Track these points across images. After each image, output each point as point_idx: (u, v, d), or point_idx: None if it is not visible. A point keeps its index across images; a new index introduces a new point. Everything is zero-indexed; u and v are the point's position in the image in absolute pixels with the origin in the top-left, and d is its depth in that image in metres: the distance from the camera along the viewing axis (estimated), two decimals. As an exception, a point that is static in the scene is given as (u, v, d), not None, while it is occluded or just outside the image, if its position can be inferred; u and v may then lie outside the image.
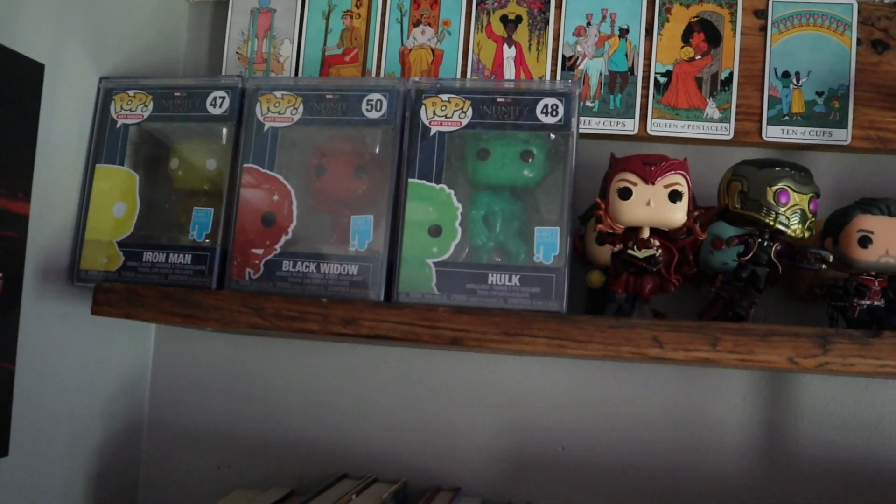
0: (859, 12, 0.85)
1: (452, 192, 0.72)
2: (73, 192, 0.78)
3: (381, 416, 0.90)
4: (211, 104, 0.78)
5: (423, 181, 0.72)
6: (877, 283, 0.69)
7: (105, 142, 0.79)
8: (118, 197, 0.78)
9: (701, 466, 0.85)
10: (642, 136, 0.86)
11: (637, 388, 0.87)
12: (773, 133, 0.85)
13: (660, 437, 0.86)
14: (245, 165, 0.75)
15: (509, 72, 0.88)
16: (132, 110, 0.79)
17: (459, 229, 0.71)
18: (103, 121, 0.80)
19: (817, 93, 0.84)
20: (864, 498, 0.83)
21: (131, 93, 0.80)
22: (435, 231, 0.71)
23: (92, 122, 0.80)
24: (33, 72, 0.72)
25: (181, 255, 0.75)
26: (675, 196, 0.68)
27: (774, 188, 0.69)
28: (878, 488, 0.83)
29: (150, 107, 0.79)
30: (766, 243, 0.72)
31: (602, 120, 0.86)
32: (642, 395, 0.87)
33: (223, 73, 0.92)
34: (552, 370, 0.88)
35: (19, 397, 0.71)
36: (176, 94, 0.79)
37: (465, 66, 0.89)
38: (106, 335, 0.85)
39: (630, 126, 0.86)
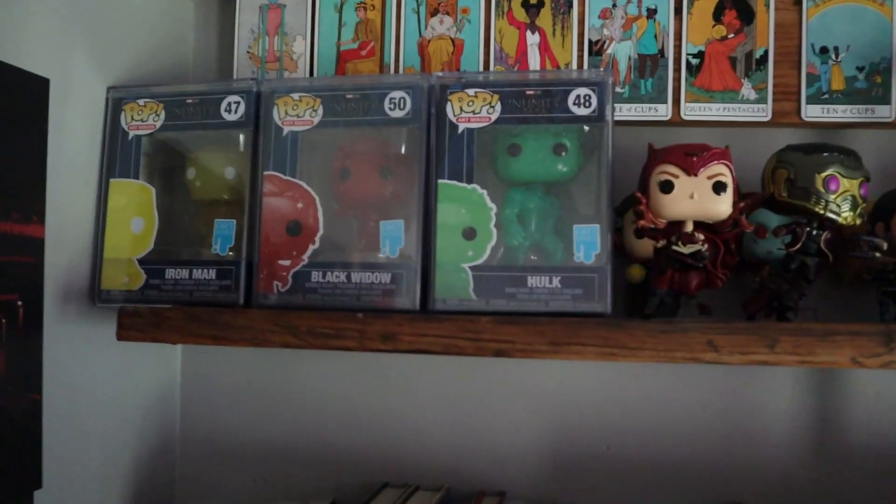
0: (900, -20, 0.81)
1: (485, 191, 0.68)
2: (88, 209, 0.75)
3: (419, 422, 0.88)
4: (226, 110, 0.74)
5: (454, 181, 0.69)
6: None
7: (118, 155, 0.76)
8: (135, 212, 0.75)
9: (751, 461, 0.82)
10: (675, 122, 0.82)
11: (683, 382, 0.84)
12: (812, 112, 0.81)
13: (707, 432, 0.83)
14: (266, 173, 0.72)
15: (534, 59, 0.84)
16: (144, 120, 0.76)
17: (495, 230, 0.68)
18: (114, 133, 0.77)
19: (858, 68, 0.80)
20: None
21: (142, 102, 0.76)
22: (469, 234, 0.68)
23: (102, 135, 0.77)
24: (38, 87, 0.68)
25: (205, 271, 0.72)
26: (719, 187, 0.65)
27: (823, 175, 0.66)
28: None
29: (162, 116, 0.76)
30: (814, 232, 0.69)
31: (633, 106, 0.83)
32: (688, 389, 0.84)
33: (234, 74, 0.88)
34: (594, 368, 0.85)
35: (49, 427, 0.69)
36: (188, 101, 0.75)
37: (487, 55, 0.85)
38: (132, 354, 0.82)
39: (662, 111, 0.83)
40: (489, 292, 0.66)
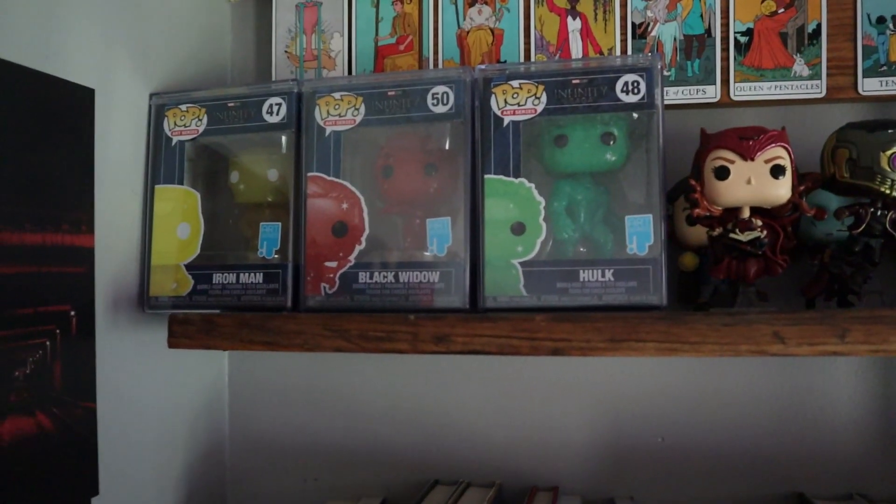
0: (961, -58, 0.76)
1: (533, 185, 0.67)
2: (135, 217, 0.75)
3: (468, 418, 0.87)
4: (267, 112, 0.74)
5: (501, 176, 0.67)
6: None
7: (162, 161, 0.76)
8: (181, 217, 0.75)
9: (814, 451, 0.80)
10: (725, 103, 0.80)
11: (738, 370, 0.81)
12: (870, 86, 0.77)
13: (766, 421, 0.81)
14: (309, 174, 0.72)
15: (576, 46, 0.82)
16: (186, 125, 0.76)
17: (544, 225, 0.66)
18: (158, 139, 0.77)
19: (918, 37, 0.77)
20: None
21: (184, 107, 0.76)
22: (518, 229, 0.67)
23: (146, 141, 0.77)
24: (84, 98, 0.68)
25: (252, 275, 0.72)
26: (777, 171, 0.63)
27: (889, 153, 0.63)
28: None
29: (205, 120, 0.76)
30: (879, 213, 0.66)
31: (680, 89, 0.80)
32: (743, 377, 0.81)
33: (273, 74, 0.88)
34: (647, 360, 0.83)
35: (104, 433, 0.69)
36: (230, 104, 0.75)
37: (527, 44, 0.83)
38: (181, 359, 0.83)
39: (711, 93, 0.80)
40: (540, 288, 0.65)
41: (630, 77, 0.66)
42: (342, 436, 0.90)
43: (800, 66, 0.78)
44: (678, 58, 0.80)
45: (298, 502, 0.90)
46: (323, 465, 0.90)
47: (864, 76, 0.78)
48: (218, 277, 0.73)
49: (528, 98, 0.68)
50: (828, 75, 0.78)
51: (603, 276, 0.65)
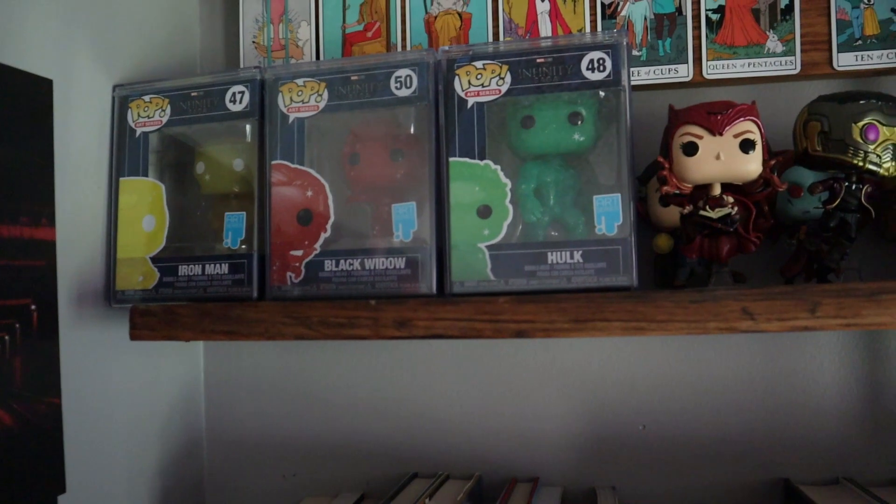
0: (934, -89, 0.75)
1: (498, 167, 0.66)
2: (100, 209, 0.74)
3: (446, 409, 0.86)
4: (230, 101, 0.73)
5: (466, 158, 0.66)
6: None
7: (126, 153, 0.75)
8: (146, 210, 0.74)
9: (799, 434, 0.78)
10: (698, 82, 0.78)
11: (719, 355, 0.80)
12: (845, 61, 0.76)
13: (750, 406, 0.79)
14: (273, 162, 0.70)
15: (545, 28, 0.80)
16: (150, 117, 0.75)
17: (510, 207, 0.65)
18: (122, 131, 0.76)
19: (893, 10, 0.75)
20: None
21: (147, 98, 0.75)
22: (484, 212, 0.65)
23: (110, 133, 0.76)
24: (41, 89, 0.67)
25: (217, 266, 0.71)
26: (746, 145, 0.61)
27: (861, 124, 0.62)
28: None
29: (168, 111, 0.74)
30: (854, 186, 0.64)
31: (651, 69, 0.79)
32: (725, 362, 0.80)
33: (241, 65, 0.87)
34: (624, 345, 0.82)
35: (70, 430, 0.68)
36: (193, 94, 0.74)
37: (496, 27, 0.82)
38: (153, 354, 0.82)
39: (683, 72, 0.78)
40: (508, 272, 0.64)
41: (595, 54, 0.65)
42: (321, 430, 0.89)
43: (773, 43, 0.77)
44: (649, 37, 0.79)
45: (277, 498, 0.89)
46: (301, 460, 0.89)
47: (838, 51, 0.76)
48: (184, 269, 0.72)
49: (492, 79, 0.66)
50: (802, 51, 0.77)
51: (572, 257, 0.63)
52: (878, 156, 0.62)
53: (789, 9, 0.77)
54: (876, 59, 0.75)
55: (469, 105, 0.66)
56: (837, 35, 0.76)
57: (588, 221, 0.65)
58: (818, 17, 0.77)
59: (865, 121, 0.61)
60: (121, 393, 0.77)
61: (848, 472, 0.78)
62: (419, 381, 0.87)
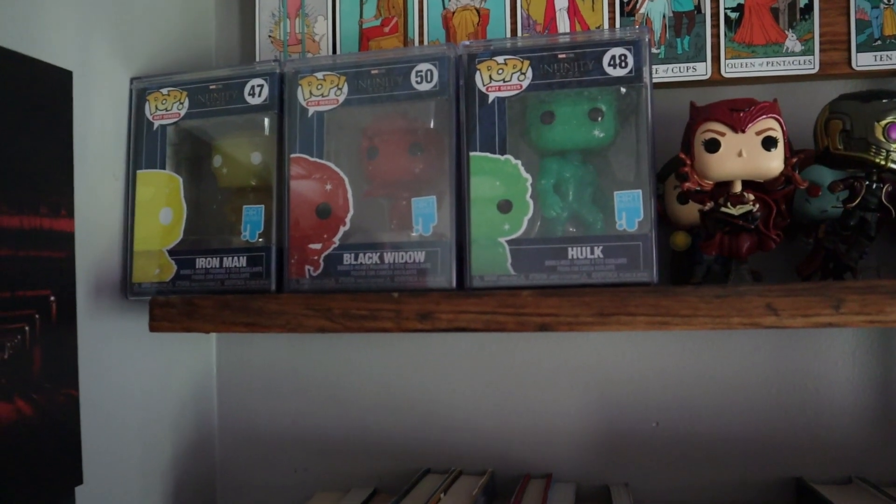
0: (954, -87, 0.75)
1: (519, 162, 0.65)
2: (117, 202, 0.74)
3: (460, 405, 0.86)
4: (249, 94, 0.73)
5: (486, 153, 0.66)
6: None
7: (143, 146, 0.75)
8: (163, 202, 0.74)
9: (810, 432, 0.78)
10: (716, 80, 0.78)
11: (732, 353, 0.80)
12: (864, 61, 0.76)
13: (764, 403, 0.79)
14: (292, 156, 0.70)
15: (563, 24, 0.80)
16: (168, 109, 0.75)
17: (531, 202, 0.65)
18: (139, 124, 0.75)
19: (912, 10, 0.75)
20: None
21: (165, 91, 0.75)
22: (505, 206, 0.65)
23: (128, 126, 0.76)
24: (61, 80, 0.67)
25: (235, 258, 0.71)
26: (769, 143, 0.61)
27: (883, 123, 0.62)
28: None
29: (186, 104, 0.74)
30: (874, 185, 0.65)
31: (670, 66, 0.79)
32: (738, 359, 0.80)
33: (257, 59, 0.87)
34: (640, 342, 0.82)
35: (87, 421, 0.68)
36: (211, 87, 0.74)
37: (514, 23, 0.82)
38: (167, 346, 0.81)
39: (702, 70, 0.78)
40: (528, 266, 0.64)
41: (617, 50, 0.65)
42: (333, 425, 0.89)
43: (792, 42, 0.77)
44: (668, 35, 0.79)
45: (289, 493, 0.89)
46: (313, 455, 0.89)
47: (857, 51, 0.76)
48: (201, 262, 0.72)
49: (513, 74, 0.66)
50: (821, 51, 0.77)
51: (592, 252, 0.63)
52: (899, 154, 0.62)
53: (808, 8, 0.77)
54: (895, 59, 0.75)
55: (490, 100, 0.66)
56: (857, 35, 0.76)
57: (606, 218, 0.65)
58: (838, 17, 0.77)
59: (888, 119, 0.62)
60: (135, 385, 0.77)
61: (861, 471, 0.78)
62: (432, 377, 0.87)
